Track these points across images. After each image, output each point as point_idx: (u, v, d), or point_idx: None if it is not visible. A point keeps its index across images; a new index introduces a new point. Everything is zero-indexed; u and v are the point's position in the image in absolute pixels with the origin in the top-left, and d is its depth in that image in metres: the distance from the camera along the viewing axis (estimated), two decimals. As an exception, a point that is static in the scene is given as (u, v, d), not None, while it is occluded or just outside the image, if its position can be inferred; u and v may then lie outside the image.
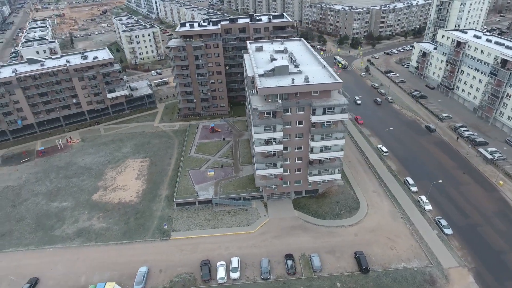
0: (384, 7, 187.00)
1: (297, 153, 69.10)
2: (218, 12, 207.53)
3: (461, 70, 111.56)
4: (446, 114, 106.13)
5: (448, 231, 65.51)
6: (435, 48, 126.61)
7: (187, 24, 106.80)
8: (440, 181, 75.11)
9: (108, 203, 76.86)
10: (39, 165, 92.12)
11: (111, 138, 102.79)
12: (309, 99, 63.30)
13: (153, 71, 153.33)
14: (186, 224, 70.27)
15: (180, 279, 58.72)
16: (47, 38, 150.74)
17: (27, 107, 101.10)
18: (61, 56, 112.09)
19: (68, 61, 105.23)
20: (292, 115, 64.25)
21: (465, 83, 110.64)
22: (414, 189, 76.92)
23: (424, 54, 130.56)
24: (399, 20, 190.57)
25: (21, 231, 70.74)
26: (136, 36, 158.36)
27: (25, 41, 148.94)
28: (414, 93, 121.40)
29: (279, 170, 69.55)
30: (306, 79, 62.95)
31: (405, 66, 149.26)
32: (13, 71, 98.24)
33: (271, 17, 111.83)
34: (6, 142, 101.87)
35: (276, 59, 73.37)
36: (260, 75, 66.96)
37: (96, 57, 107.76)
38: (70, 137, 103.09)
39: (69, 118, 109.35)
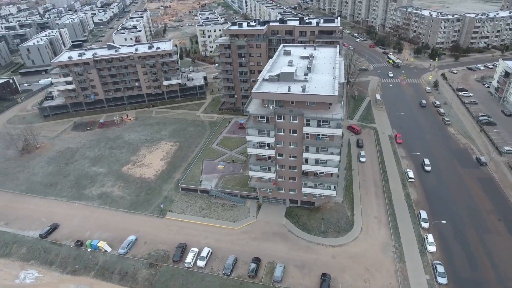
0: (481, 15, 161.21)
1: (292, 161, 68.35)
2: (293, 12, 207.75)
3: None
4: (510, 148, 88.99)
5: (442, 280, 57.09)
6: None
7: (238, 23, 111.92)
8: (443, 221, 65.19)
9: (131, 176, 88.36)
10: (96, 134, 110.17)
11: (157, 121, 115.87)
12: (304, 109, 62.09)
13: (217, 64, 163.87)
14: (182, 207, 76.65)
15: (156, 254, 65.33)
16: (136, 27, 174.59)
17: (99, 85, 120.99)
18: (134, 44, 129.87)
19: (136, 50, 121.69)
20: (286, 122, 63.91)
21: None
22: (425, 225, 68.14)
23: (508, 74, 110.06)
24: (498, 31, 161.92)
25: (63, 185, 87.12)
26: (208, 31, 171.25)
27: (120, 29, 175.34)
28: (480, 118, 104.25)
29: (272, 175, 69.93)
30: (303, 88, 61.83)
31: (486, 85, 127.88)
32: (92, 54, 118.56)
33: (322, 20, 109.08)
34: (81, 112, 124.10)
35: (292, 65, 73.18)
36: (265, 80, 68.08)
37: (159, 48, 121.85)
38: (127, 115, 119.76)
39: (131, 98, 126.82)
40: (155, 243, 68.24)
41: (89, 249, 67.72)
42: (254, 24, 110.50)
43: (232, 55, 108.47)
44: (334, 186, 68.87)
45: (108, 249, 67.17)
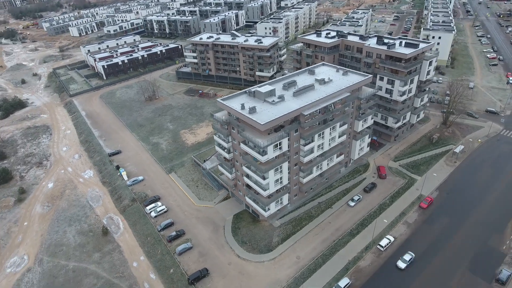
0: None
1: (242, 170, 75.15)
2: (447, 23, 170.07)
3: None
4: None
5: None
6: None
7: (316, 33, 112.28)
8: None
9: (180, 138, 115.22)
10: (192, 100, 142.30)
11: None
12: (248, 128, 67.52)
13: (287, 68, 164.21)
14: (183, 173, 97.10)
15: (140, 194, 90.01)
16: (282, 18, 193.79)
17: (213, 63, 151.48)
18: (252, 35, 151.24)
19: (246, 41, 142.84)
20: (235, 134, 71.22)
21: None
22: (335, 291, 61.88)
23: None
24: None
25: (145, 128, 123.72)
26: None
27: (270, 18, 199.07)
28: None
29: (229, 175, 79.24)
30: (251, 109, 66.71)
31: None
32: (215, 39, 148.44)
33: (404, 43, 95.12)
34: (198, 81, 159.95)
35: (290, 85, 76.62)
36: (246, 92, 75.75)
37: (261, 43, 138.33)
38: (216, 92, 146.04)
39: (232, 80, 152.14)
40: (148, 188, 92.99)
41: (119, 173, 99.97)
42: (333, 35, 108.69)
43: (301, 62, 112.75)
44: (267, 208, 71.65)
45: (125, 178, 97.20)
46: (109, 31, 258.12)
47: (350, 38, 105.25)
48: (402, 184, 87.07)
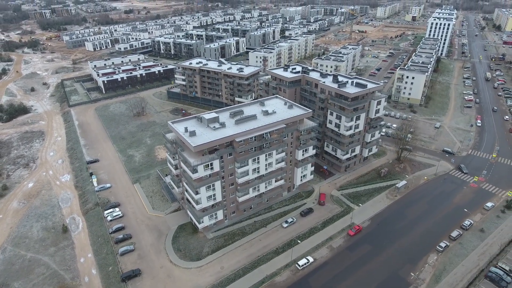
0: None
1: (184, 185, 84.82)
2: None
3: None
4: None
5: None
6: None
7: (284, 67, 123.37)
8: None
9: (153, 153, 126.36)
10: (174, 118, 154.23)
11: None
12: (188, 148, 77.78)
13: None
14: (146, 185, 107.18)
15: (103, 200, 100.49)
16: (272, 48, 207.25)
17: (200, 87, 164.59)
18: (237, 64, 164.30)
19: (230, 68, 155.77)
20: (179, 154, 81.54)
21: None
22: (245, 300, 69.40)
23: None
24: None
25: (126, 141, 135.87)
26: (321, 65, 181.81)
27: (260, 49, 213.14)
28: None
29: (177, 189, 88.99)
30: (191, 133, 77.17)
31: None
32: (203, 64, 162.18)
33: (355, 83, 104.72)
34: (185, 101, 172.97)
35: (237, 113, 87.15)
36: (195, 117, 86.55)
37: (242, 71, 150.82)
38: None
39: (215, 103, 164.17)
40: (112, 194, 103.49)
41: (91, 179, 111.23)
42: (298, 70, 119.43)
43: (269, 93, 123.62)
44: (202, 221, 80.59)
45: (95, 184, 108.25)
46: (120, 48, 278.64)
47: (311, 74, 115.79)
48: (338, 211, 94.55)
